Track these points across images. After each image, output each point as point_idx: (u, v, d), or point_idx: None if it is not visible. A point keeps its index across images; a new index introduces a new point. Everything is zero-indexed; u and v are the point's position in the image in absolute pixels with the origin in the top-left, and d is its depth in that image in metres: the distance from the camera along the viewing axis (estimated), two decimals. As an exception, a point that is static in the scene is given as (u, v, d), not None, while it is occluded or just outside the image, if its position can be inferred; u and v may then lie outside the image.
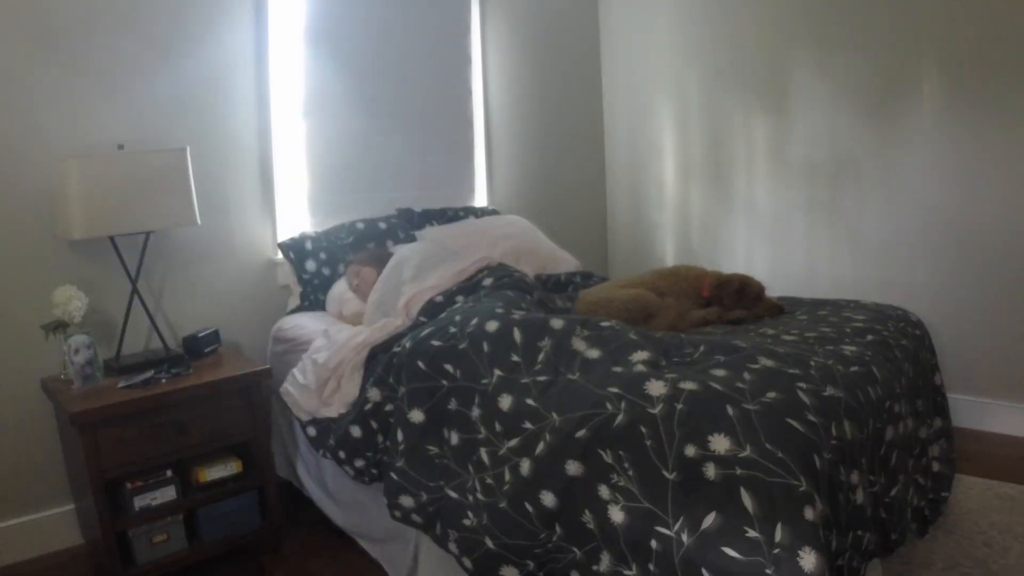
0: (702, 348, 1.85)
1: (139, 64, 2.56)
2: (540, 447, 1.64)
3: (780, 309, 2.45)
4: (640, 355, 1.78)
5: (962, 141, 2.96)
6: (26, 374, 2.39)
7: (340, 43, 3.11)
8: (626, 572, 1.47)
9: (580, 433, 1.58)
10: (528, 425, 1.72)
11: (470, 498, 1.76)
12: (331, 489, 2.43)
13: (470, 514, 1.75)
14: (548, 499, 1.59)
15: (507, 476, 1.68)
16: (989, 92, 2.87)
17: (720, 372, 1.67)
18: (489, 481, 1.71)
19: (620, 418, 1.57)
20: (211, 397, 2.27)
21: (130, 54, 2.54)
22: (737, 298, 2.44)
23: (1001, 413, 2.99)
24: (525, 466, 1.65)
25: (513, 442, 1.72)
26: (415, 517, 1.90)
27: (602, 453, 1.54)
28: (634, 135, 4.15)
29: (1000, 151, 2.88)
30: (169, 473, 2.22)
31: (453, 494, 1.81)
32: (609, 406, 1.61)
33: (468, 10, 3.58)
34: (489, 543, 1.68)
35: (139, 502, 2.16)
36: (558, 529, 1.60)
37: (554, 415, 1.68)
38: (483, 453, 1.79)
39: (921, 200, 3.10)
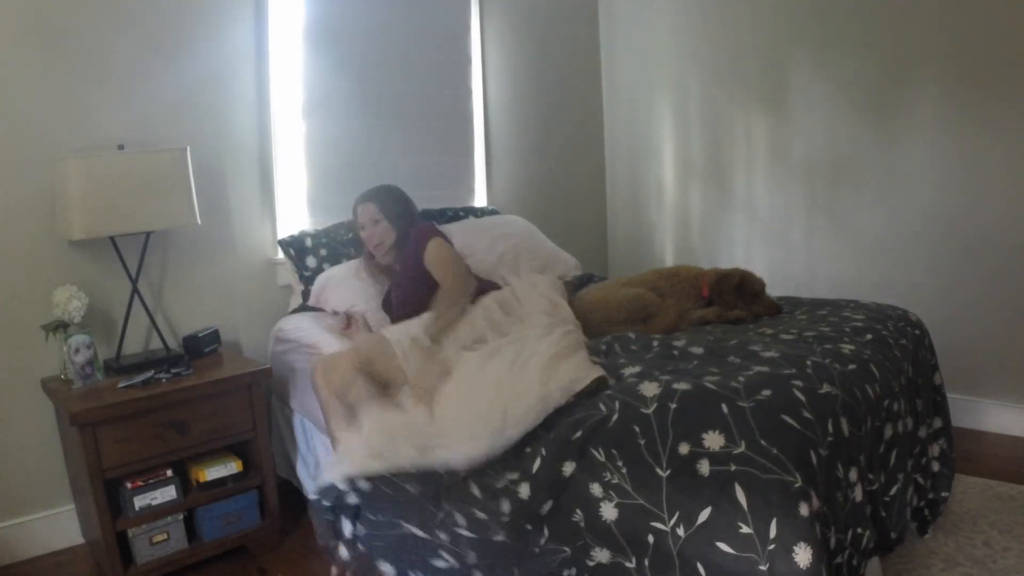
0: (695, 363, 1.86)
1: (139, 64, 2.56)
2: (536, 464, 1.62)
3: (778, 308, 2.44)
4: (632, 369, 1.80)
5: (962, 141, 2.96)
6: (26, 374, 2.39)
7: (340, 43, 3.11)
8: (627, 564, 1.48)
9: (576, 436, 1.58)
10: (527, 450, 1.67)
11: (443, 536, 1.66)
12: (331, 489, 2.43)
13: (444, 554, 1.66)
14: (545, 508, 1.58)
15: (505, 507, 1.60)
16: (988, 92, 2.86)
17: (714, 377, 1.68)
18: (480, 516, 1.62)
19: (614, 418, 1.57)
20: (211, 397, 2.28)
21: (130, 54, 2.54)
22: (737, 294, 2.43)
23: (1001, 413, 2.99)
24: (524, 489, 1.61)
25: (513, 475, 1.65)
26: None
27: (595, 452, 1.55)
28: (634, 135, 4.15)
29: (1000, 151, 2.87)
30: (169, 473, 2.22)
31: (419, 532, 1.70)
32: (603, 407, 1.61)
33: (468, 10, 3.58)
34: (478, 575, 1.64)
35: (139, 502, 2.16)
36: (545, 532, 1.59)
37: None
38: (473, 486, 1.67)
39: (921, 200, 3.10)
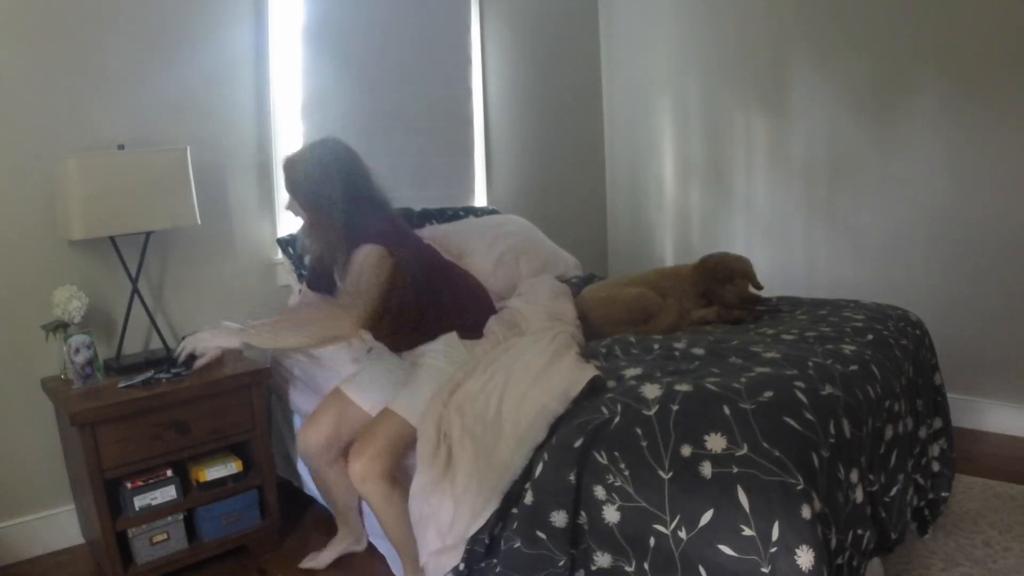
0: (696, 364, 1.85)
1: (139, 64, 2.56)
2: (539, 470, 1.62)
3: (756, 299, 2.42)
4: (633, 371, 1.79)
5: (961, 141, 2.96)
6: (26, 374, 2.39)
7: (340, 43, 3.11)
8: (627, 568, 1.48)
9: (578, 440, 1.58)
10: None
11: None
12: (331, 489, 2.43)
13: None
14: (560, 519, 1.57)
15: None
16: (988, 92, 2.86)
17: (715, 379, 1.67)
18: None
19: (616, 421, 1.57)
20: (211, 396, 2.27)
21: (130, 54, 2.54)
22: (713, 279, 2.40)
23: (1001, 413, 2.99)
24: (528, 496, 1.62)
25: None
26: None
27: (597, 455, 1.55)
28: (634, 135, 4.15)
29: (999, 151, 2.87)
30: (169, 473, 2.22)
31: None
32: (604, 410, 1.61)
33: (468, 10, 3.58)
34: None
35: (139, 502, 2.15)
36: (557, 537, 1.58)
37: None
38: None
39: (921, 200, 3.10)
